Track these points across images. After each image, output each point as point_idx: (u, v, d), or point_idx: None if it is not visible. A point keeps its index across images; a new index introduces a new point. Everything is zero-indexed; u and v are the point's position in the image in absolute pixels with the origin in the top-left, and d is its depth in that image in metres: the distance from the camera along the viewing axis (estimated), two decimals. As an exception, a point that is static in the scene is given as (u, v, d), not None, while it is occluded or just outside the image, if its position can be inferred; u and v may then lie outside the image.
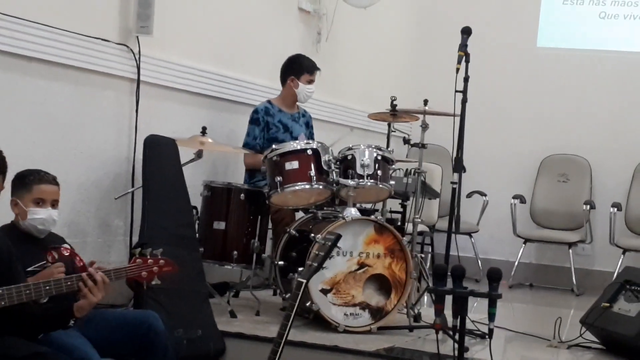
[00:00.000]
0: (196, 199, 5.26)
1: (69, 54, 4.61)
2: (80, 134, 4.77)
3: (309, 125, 5.92)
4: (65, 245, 3.58)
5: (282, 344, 3.07)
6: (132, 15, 4.98)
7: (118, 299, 4.80)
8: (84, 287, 3.17)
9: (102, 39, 4.82)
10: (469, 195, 7.88)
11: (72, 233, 4.65)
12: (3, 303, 2.91)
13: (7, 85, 4.32)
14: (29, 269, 3.38)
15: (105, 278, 3.21)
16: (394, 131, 5.75)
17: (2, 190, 3.27)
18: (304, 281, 3.12)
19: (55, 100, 4.59)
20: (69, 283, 3.13)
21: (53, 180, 3.63)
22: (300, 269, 4.25)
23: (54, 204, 3.60)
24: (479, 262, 7.80)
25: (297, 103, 5.83)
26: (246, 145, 5.64)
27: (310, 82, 5.71)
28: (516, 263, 7.69)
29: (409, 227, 5.50)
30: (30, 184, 3.55)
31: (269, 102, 5.77)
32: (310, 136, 5.90)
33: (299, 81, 5.69)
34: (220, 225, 5.24)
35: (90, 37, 4.73)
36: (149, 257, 3.37)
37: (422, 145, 5.37)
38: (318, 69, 5.75)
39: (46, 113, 4.54)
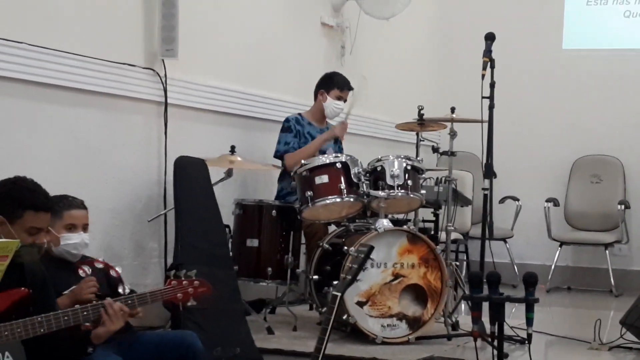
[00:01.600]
0: (228, 217, 5.27)
1: (97, 81, 4.65)
2: (111, 159, 4.81)
3: (337, 140, 5.93)
4: (99, 259, 3.60)
5: (320, 358, 3.07)
6: (157, 39, 5.01)
7: (156, 321, 4.82)
8: (105, 314, 3.18)
9: (129, 64, 4.86)
10: (501, 201, 7.84)
11: (107, 258, 4.61)
12: (18, 335, 2.90)
13: (38, 114, 4.37)
14: (65, 292, 3.40)
15: (124, 307, 3.21)
16: (422, 140, 5.73)
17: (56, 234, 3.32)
18: (339, 294, 3.11)
19: (84, 126, 4.63)
20: (85, 313, 3.14)
21: (82, 205, 3.65)
22: (335, 282, 4.25)
23: (85, 227, 3.62)
24: (515, 267, 7.75)
25: (327, 119, 5.84)
26: (277, 153, 5.61)
27: (339, 98, 5.71)
28: (553, 267, 7.64)
29: (442, 236, 5.48)
30: (61, 210, 3.58)
31: (299, 114, 5.79)
32: (340, 151, 5.89)
33: (327, 95, 5.70)
34: (253, 242, 5.25)
35: (116, 62, 4.77)
36: (183, 278, 3.38)
37: (452, 153, 5.36)
38: (350, 88, 5.74)
39: (76, 140, 4.58)
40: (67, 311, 3.07)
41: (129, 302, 3.25)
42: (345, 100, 5.73)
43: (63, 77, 4.45)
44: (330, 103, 5.70)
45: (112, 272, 3.56)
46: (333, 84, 5.72)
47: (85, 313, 3.12)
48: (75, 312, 3.09)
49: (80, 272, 3.44)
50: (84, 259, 3.58)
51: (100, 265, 3.56)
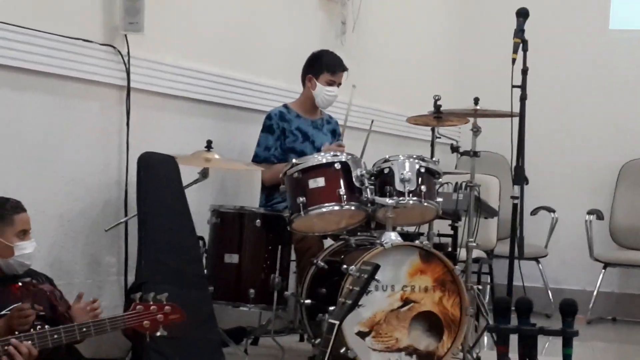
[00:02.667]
0: (203, 227, 5.27)
1: (44, 59, 4.63)
2: (60, 154, 4.79)
3: (335, 134, 5.93)
4: (40, 279, 3.61)
5: (312, 400, 3.07)
6: (118, 10, 5.01)
7: (113, 352, 4.81)
8: (16, 353, 3.17)
9: (84, 40, 4.85)
10: (533, 212, 7.85)
11: (55, 274, 4.63)
12: None
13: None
14: (3, 312, 3.40)
15: (33, 350, 3.20)
16: (439, 137, 5.74)
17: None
18: (337, 323, 3.11)
19: (26, 115, 4.61)
20: None
21: (23, 207, 3.68)
22: (331, 308, 4.24)
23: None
24: (549, 292, 7.76)
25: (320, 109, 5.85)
26: (257, 157, 5.65)
27: (331, 83, 5.71)
28: (595, 293, 7.64)
29: (462, 254, 5.48)
30: (10, 214, 3.59)
31: (285, 106, 5.79)
32: (339, 147, 5.91)
33: (317, 81, 5.70)
34: (232, 258, 5.24)
35: (68, 37, 4.75)
36: (151, 303, 3.38)
37: (474, 153, 5.36)
38: (344, 69, 5.75)
39: (17, 131, 4.56)
40: None
41: (84, 329, 3.26)
42: (339, 85, 5.73)
43: (2, 54, 4.43)
44: (321, 90, 5.71)
45: (56, 293, 3.56)
46: (322, 66, 5.72)
47: None
48: None
49: (17, 292, 3.44)
50: (26, 277, 3.58)
51: (42, 284, 3.57)
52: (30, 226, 3.66)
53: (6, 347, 3.13)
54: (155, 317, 3.36)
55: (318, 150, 5.63)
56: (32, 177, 4.63)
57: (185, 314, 3.43)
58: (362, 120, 7.04)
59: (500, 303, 3.78)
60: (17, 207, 3.64)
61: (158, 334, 3.37)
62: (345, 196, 4.98)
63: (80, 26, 4.84)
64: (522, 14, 5.17)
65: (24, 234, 3.60)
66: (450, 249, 5.63)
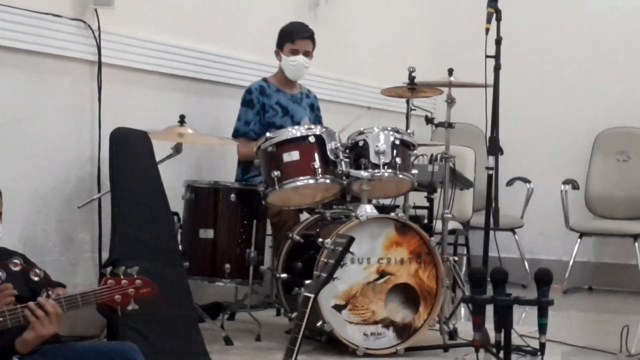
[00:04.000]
0: (177, 203, 5.26)
1: (13, 35, 4.60)
2: (31, 130, 4.76)
3: (314, 108, 5.92)
4: (15, 260, 3.58)
5: (288, 374, 3.07)
6: (87, -16, 4.99)
7: (89, 330, 4.80)
8: (33, 317, 3.17)
9: (53, 14, 4.81)
10: (509, 183, 7.88)
11: (28, 251, 4.60)
12: None
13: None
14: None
15: (58, 308, 3.20)
16: (414, 109, 5.73)
17: None
18: (313, 296, 3.11)
19: (-1, 91, 4.59)
20: (12, 317, 3.12)
21: None
22: (307, 281, 4.25)
23: None
24: (525, 263, 7.79)
25: (296, 81, 5.83)
26: (236, 132, 5.64)
27: (295, 52, 5.69)
28: (571, 262, 7.68)
29: (438, 225, 5.49)
30: None
31: (264, 80, 5.77)
32: (317, 120, 5.90)
33: (282, 53, 5.69)
34: (207, 233, 5.24)
35: (38, 12, 4.72)
36: (122, 277, 3.37)
37: (449, 125, 5.36)
38: (303, 36, 5.70)
39: (-12, 107, 4.54)
40: None
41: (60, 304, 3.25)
42: (306, 54, 5.69)
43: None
44: (286, 61, 5.69)
45: (32, 276, 3.54)
46: (283, 37, 5.72)
47: (12, 316, 3.11)
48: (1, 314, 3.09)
49: None
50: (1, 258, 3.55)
51: (17, 268, 3.54)
52: (1, 209, 3.61)
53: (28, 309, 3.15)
54: (127, 291, 3.35)
55: (297, 124, 5.61)
56: (3, 154, 4.60)
57: (156, 287, 3.42)
58: (338, 94, 7.05)
59: (476, 274, 3.79)
60: None
61: (129, 307, 3.36)
62: (320, 169, 4.98)
63: (49, 1, 4.80)
64: (496, -16, 5.16)
65: None
66: (426, 221, 5.64)
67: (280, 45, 5.70)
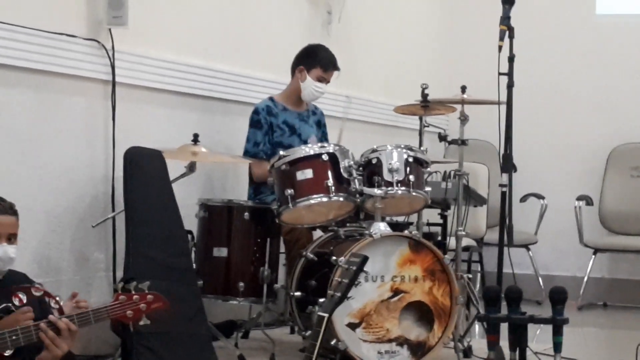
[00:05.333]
0: (191, 221, 5.26)
1: (28, 55, 4.61)
2: (46, 150, 4.77)
3: (320, 125, 5.92)
4: (37, 285, 3.59)
5: (303, 394, 3.06)
6: (102, 4, 4.98)
7: (102, 349, 4.80)
8: (47, 339, 3.17)
9: (67, 35, 4.82)
10: (523, 199, 7.86)
11: (43, 271, 4.65)
12: None
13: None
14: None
15: (72, 325, 3.21)
16: (427, 126, 5.73)
17: None
18: (327, 315, 3.11)
19: (12, 111, 4.59)
20: (24, 334, 3.13)
21: (10, 209, 3.62)
22: (321, 300, 4.24)
23: (11, 238, 3.59)
24: (540, 280, 7.78)
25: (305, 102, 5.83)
26: (246, 153, 5.64)
27: (322, 79, 5.69)
28: (585, 279, 7.66)
29: (452, 242, 5.48)
30: None
31: (270, 99, 5.77)
32: (324, 137, 5.89)
33: (308, 74, 5.68)
34: (221, 252, 5.24)
35: (52, 32, 4.73)
36: (134, 292, 3.38)
37: (462, 142, 5.37)
38: (337, 68, 5.74)
39: (1, 128, 4.54)
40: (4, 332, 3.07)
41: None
42: (327, 82, 5.72)
43: (-16, 50, 4.42)
44: (310, 84, 5.69)
45: (51, 302, 3.55)
46: (316, 61, 5.70)
47: (14, 337, 3.11)
48: (2, 337, 3.09)
49: (15, 300, 3.42)
50: (14, 284, 3.55)
51: (39, 293, 3.55)
52: (13, 230, 3.61)
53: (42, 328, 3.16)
54: (138, 306, 3.35)
55: (304, 142, 5.61)
56: (18, 174, 4.61)
57: (168, 302, 3.42)
58: (349, 111, 7.04)
59: (490, 292, 3.78)
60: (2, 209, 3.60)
61: (141, 323, 3.36)
62: (333, 187, 4.97)
63: (63, 21, 4.82)
64: (508, 1, 5.17)
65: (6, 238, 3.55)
66: (439, 238, 5.63)
67: (309, 66, 5.69)
